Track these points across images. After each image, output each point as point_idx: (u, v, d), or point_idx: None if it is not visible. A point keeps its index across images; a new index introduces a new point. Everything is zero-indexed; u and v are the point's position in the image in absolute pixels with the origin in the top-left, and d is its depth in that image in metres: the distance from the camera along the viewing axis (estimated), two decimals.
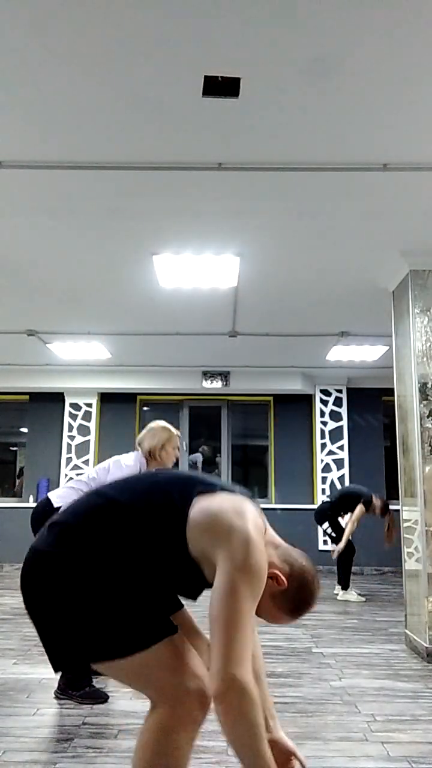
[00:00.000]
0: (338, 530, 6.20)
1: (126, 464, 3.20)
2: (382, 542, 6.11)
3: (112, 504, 1.56)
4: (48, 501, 3.18)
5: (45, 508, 3.15)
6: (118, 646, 1.46)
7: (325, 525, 6.25)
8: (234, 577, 1.40)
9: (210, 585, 1.51)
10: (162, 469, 1.62)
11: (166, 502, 1.54)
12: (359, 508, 5.93)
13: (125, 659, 1.46)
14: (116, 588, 1.48)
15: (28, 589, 1.53)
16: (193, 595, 1.62)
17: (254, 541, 1.46)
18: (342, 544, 5.89)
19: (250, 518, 1.50)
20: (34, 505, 7.98)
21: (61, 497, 3.17)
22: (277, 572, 1.58)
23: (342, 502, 6.19)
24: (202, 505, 1.52)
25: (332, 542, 6.30)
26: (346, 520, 6.02)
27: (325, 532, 6.32)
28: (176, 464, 8.06)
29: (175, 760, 1.45)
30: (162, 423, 3.39)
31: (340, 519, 6.26)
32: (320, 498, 7.90)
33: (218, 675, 1.33)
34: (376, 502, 5.96)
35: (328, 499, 6.45)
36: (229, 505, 1.52)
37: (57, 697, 3.04)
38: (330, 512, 6.21)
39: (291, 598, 1.59)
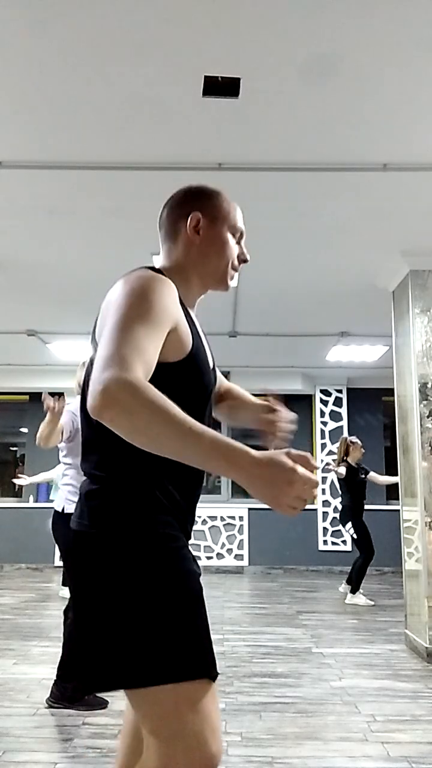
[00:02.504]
0: (360, 531, 5.99)
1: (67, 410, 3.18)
2: (382, 542, 6.10)
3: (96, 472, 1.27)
4: (57, 514, 3.16)
5: (57, 520, 3.14)
6: (175, 663, 1.13)
7: (348, 526, 6.08)
8: (116, 309, 1.14)
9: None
10: None
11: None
12: (372, 476, 6.27)
13: (172, 685, 1.12)
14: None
15: (80, 581, 1.24)
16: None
17: (131, 281, 1.21)
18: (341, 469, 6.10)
19: (127, 282, 1.23)
20: (34, 505, 8.02)
21: (62, 500, 3.16)
22: (190, 224, 1.36)
23: (353, 495, 6.17)
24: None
25: (354, 543, 6.19)
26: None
27: (349, 534, 6.21)
28: None
29: None
30: (82, 361, 3.25)
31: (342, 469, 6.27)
32: (320, 498, 7.91)
33: (96, 383, 0.99)
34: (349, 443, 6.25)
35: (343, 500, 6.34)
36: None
37: (50, 706, 2.95)
38: (350, 505, 6.10)
39: (211, 201, 1.39)
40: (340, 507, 6.55)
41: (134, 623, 1.13)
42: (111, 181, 3.24)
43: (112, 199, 3.42)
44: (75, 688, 2.96)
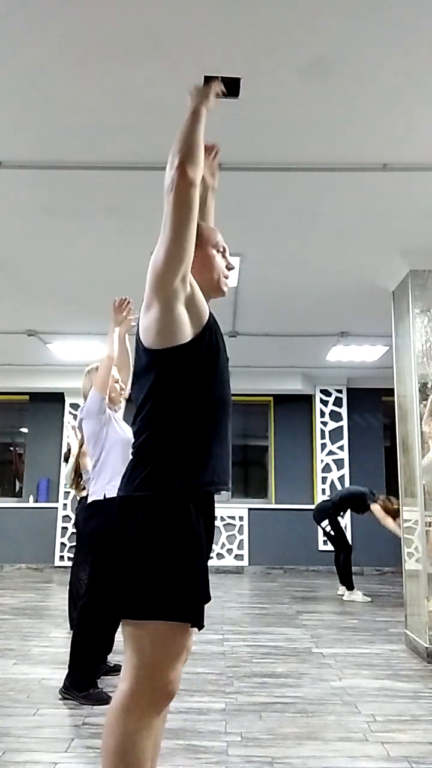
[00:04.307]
0: (337, 529, 6.20)
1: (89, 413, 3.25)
2: (382, 542, 6.12)
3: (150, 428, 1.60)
4: (96, 503, 3.17)
5: (96, 510, 3.15)
6: (172, 606, 1.47)
7: (324, 523, 6.24)
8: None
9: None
10: None
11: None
12: (377, 510, 5.91)
13: (163, 621, 1.46)
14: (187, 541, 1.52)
15: (118, 535, 1.57)
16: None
17: None
18: (395, 529, 5.75)
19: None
20: (34, 505, 8.02)
21: (100, 490, 3.16)
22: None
23: (344, 502, 6.19)
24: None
25: (330, 541, 6.30)
26: (379, 519, 5.97)
27: (325, 532, 6.31)
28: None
29: (136, 745, 1.45)
30: (95, 364, 3.43)
31: (339, 518, 6.27)
32: (320, 498, 7.91)
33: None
34: (386, 501, 5.96)
35: (329, 499, 6.44)
36: None
37: (63, 697, 3.05)
38: (331, 511, 6.21)
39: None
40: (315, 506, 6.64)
41: (147, 574, 1.48)
42: (111, 181, 3.24)
43: (112, 199, 3.42)
44: (82, 677, 3.03)
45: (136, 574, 1.49)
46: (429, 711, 2.98)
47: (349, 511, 6.43)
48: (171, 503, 1.52)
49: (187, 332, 1.58)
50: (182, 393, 1.58)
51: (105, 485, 3.11)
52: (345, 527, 6.74)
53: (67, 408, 8.14)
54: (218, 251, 1.79)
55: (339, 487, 7.92)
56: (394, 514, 5.81)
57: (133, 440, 1.64)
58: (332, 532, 6.20)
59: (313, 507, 7.82)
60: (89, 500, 3.22)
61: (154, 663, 1.48)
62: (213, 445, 1.61)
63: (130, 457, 1.62)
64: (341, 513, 6.21)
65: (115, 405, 3.39)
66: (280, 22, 2.17)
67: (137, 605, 1.47)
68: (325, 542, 7.56)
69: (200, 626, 1.52)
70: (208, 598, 1.60)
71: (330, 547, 7.65)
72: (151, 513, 1.50)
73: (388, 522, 5.83)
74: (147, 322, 1.61)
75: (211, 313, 1.68)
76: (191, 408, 1.58)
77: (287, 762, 2.40)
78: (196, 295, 1.62)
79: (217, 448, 1.62)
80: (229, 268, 1.82)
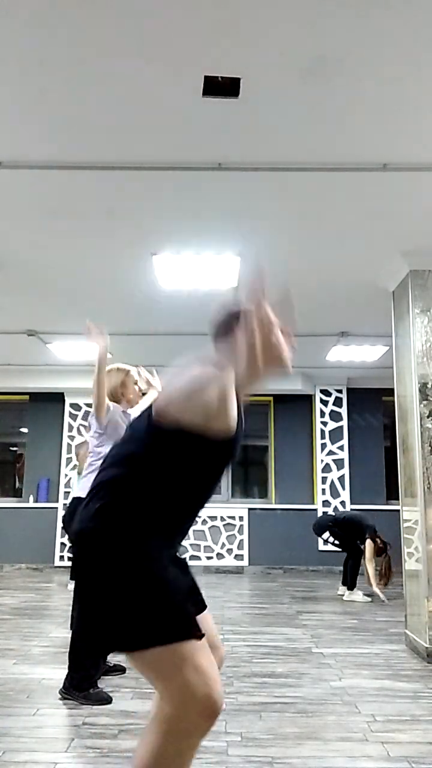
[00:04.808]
0: (340, 538, 6.17)
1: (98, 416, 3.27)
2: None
3: (122, 470, 1.59)
4: (75, 499, 3.21)
5: (76, 507, 3.17)
6: (157, 631, 1.44)
7: (326, 535, 6.22)
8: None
9: (218, 447, 1.57)
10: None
11: (144, 426, 1.61)
12: (369, 546, 5.90)
13: (161, 648, 1.43)
14: (154, 567, 1.49)
15: (81, 571, 1.54)
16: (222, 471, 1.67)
17: (196, 371, 1.51)
18: (373, 581, 5.86)
19: (194, 368, 1.55)
20: (34, 505, 8.02)
21: (85, 489, 3.18)
22: (237, 342, 1.51)
23: (346, 526, 6.16)
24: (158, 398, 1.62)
25: (338, 548, 6.29)
26: (366, 554, 5.95)
27: (326, 541, 6.33)
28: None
29: (176, 766, 1.45)
30: (116, 364, 3.46)
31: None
32: (320, 498, 7.91)
33: None
34: (377, 540, 5.95)
35: (331, 515, 6.44)
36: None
37: (63, 697, 3.05)
38: (331, 523, 6.22)
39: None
40: (317, 516, 6.66)
41: (125, 605, 1.46)
42: (111, 181, 3.24)
43: (112, 199, 3.42)
44: (83, 677, 3.02)
45: (111, 609, 1.47)
46: (429, 711, 2.98)
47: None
48: (129, 535, 1.51)
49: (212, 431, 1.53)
50: (176, 475, 1.57)
51: (89, 486, 3.13)
52: None
53: (67, 408, 8.14)
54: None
55: (339, 488, 7.94)
56: (379, 551, 5.93)
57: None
58: (336, 541, 6.20)
59: (313, 507, 7.86)
60: (71, 495, 3.26)
61: (187, 682, 1.42)
62: (184, 523, 1.64)
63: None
64: (338, 531, 6.20)
65: (134, 405, 3.42)
66: (280, 23, 2.17)
67: (124, 639, 1.46)
68: (325, 542, 7.56)
69: (198, 637, 1.47)
70: (199, 608, 1.61)
71: (330, 547, 7.67)
72: (109, 545, 1.49)
73: (370, 567, 5.88)
74: (177, 412, 1.53)
75: (239, 417, 1.62)
76: (176, 492, 1.58)
77: (287, 762, 2.40)
78: (230, 411, 1.52)
79: (187, 525, 1.66)
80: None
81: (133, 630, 1.45)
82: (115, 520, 1.51)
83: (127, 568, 1.47)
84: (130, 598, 1.45)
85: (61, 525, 3.29)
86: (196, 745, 1.49)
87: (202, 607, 1.69)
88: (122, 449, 1.63)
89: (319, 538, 7.55)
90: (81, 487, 3.25)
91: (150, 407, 1.61)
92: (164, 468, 1.56)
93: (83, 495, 3.10)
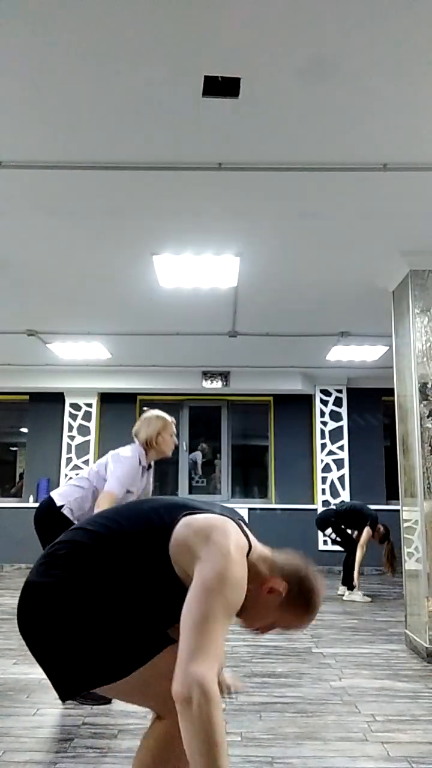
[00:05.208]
0: (342, 535, 6.19)
1: (124, 456, 3.20)
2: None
3: (97, 537, 1.57)
4: (50, 500, 3.18)
5: (48, 507, 3.15)
6: (118, 668, 1.47)
7: (328, 531, 6.24)
8: (210, 584, 1.39)
9: None
10: (149, 498, 1.63)
11: (149, 525, 1.57)
12: (366, 532, 5.93)
13: (127, 678, 1.47)
14: (109, 615, 1.49)
15: (26, 622, 1.55)
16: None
17: (233, 555, 1.46)
18: (357, 567, 5.90)
19: (232, 536, 1.50)
20: (34, 505, 8.01)
21: (62, 495, 3.17)
22: (271, 584, 1.58)
23: (349, 516, 6.16)
24: (185, 522, 1.55)
25: (339, 545, 6.30)
26: (360, 540, 6.00)
27: (329, 537, 6.33)
28: (176, 461, 8.07)
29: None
30: (156, 412, 3.41)
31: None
32: (320, 498, 7.91)
33: (182, 674, 1.30)
34: (379, 527, 5.98)
35: (333, 508, 6.43)
36: (211, 523, 1.52)
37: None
38: (333, 519, 6.22)
39: (296, 598, 1.59)
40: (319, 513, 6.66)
41: (80, 649, 1.48)
42: (111, 181, 3.24)
43: (112, 199, 3.42)
44: None
45: (66, 654, 1.48)
46: (429, 711, 2.98)
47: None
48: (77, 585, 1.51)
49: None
50: (146, 583, 1.53)
51: (70, 501, 3.14)
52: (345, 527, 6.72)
53: (67, 408, 8.14)
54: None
55: (339, 488, 7.93)
56: (381, 539, 5.98)
57: (120, 496, 1.63)
58: (338, 539, 6.21)
59: (313, 507, 7.86)
60: (52, 493, 3.24)
61: (166, 689, 1.40)
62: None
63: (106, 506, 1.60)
64: (343, 526, 6.20)
65: (162, 456, 3.40)
66: (280, 23, 2.17)
67: (89, 678, 1.48)
68: (325, 542, 7.57)
69: (167, 644, 1.50)
70: (167, 624, 1.59)
71: (330, 547, 7.67)
72: (57, 595, 1.50)
73: (359, 552, 5.91)
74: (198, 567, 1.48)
75: None
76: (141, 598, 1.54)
77: (287, 762, 2.40)
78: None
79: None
80: None
81: (106, 664, 1.46)
82: (71, 593, 1.51)
83: (71, 612, 1.48)
84: (94, 635, 1.47)
85: (34, 523, 3.27)
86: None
87: (166, 624, 1.64)
88: (116, 526, 1.59)
89: (320, 537, 7.58)
90: (59, 493, 3.21)
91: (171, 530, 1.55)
92: (137, 581, 1.52)
93: (57, 500, 3.13)
